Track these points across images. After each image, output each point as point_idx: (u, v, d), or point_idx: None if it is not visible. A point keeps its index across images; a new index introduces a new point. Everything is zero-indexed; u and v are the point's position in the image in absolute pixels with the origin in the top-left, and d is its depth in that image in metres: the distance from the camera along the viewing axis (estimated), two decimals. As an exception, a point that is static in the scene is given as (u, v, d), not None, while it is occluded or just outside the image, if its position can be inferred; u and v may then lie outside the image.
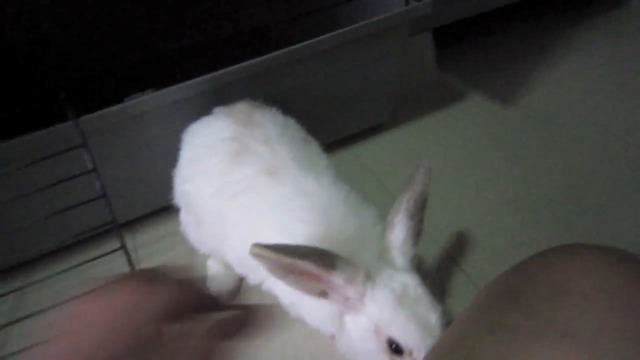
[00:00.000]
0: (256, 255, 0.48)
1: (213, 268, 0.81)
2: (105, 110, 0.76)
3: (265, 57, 0.85)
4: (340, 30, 0.87)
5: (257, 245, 0.48)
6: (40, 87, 0.76)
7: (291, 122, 0.73)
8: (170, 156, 0.76)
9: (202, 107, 0.83)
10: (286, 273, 0.50)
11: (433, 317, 0.51)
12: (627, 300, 0.36)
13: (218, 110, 0.77)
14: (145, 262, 0.90)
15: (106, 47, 0.80)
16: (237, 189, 0.62)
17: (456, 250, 0.86)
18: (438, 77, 1.30)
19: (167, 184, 0.77)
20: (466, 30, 1.42)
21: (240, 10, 1.07)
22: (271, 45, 0.90)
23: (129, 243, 0.94)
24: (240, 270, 0.68)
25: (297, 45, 0.86)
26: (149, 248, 0.93)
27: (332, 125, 1.07)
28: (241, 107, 0.74)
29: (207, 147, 0.69)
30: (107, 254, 0.76)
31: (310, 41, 0.88)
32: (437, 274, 0.82)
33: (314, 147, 0.69)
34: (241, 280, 0.79)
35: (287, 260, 0.48)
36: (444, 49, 1.30)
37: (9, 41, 0.74)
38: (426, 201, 0.60)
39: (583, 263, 0.39)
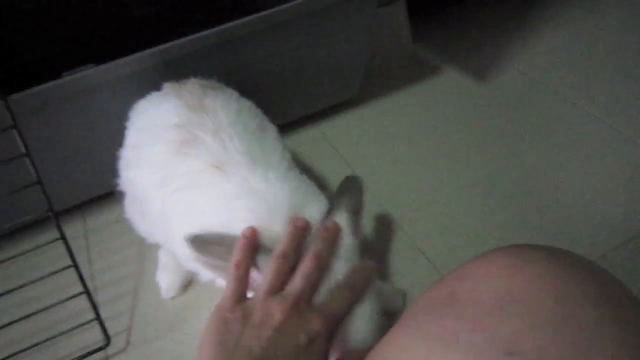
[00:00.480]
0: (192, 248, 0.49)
1: (163, 258, 0.77)
2: (39, 88, 0.69)
3: (220, 27, 0.78)
4: None
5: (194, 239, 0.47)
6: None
7: (246, 107, 0.67)
8: (115, 137, 0.70)
9: (150, 84, 0.77)
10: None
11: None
12: (577, 312, 0.33)
13: (167, 87, 0.70)
14: (96, 248, 0.85)
15: (40, 20, 0.72)
16: (181, 183, 0.57)
17: (421, 236, 0.82)
18: (410, 50, 1.24)
19: (113, 166, 0.72)
20: (441, 0, 1.36)
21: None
22: (226, 15, 0.83)
23: (79, 228, 0.89)
24: (189, 267, 0.63)
25: (256, 15, 0.80)
26: (100, 233, 0.88)
27: (297, 102, 1.01)
28: (192, 88, 0.67)
29: (152, 133, 0.63)
30: (43, 245, 0.70)
31: (269, 11, 0.81)
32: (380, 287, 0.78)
33: (269, 136, 0.63)
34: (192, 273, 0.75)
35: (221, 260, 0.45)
36: (417, 19, 1.24)
37: None
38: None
39: (531, 268, 0.36)
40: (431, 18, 1.34)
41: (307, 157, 0.98)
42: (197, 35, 0.77)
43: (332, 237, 0.53)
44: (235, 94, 0.69)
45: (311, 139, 1.02)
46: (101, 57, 0.73)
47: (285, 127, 1.03)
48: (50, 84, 0.69)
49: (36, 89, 0.69)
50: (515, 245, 0.41)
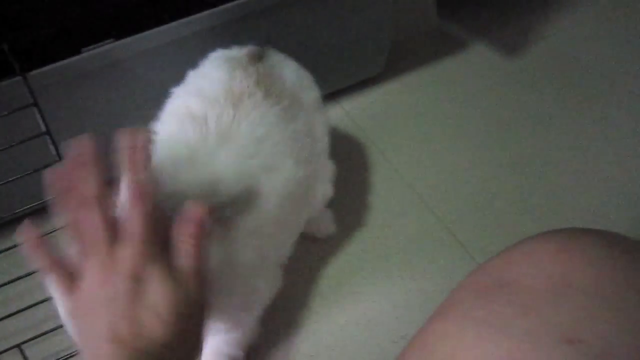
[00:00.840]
0: None
1: None
2: (59, 64, 0.67)
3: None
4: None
5: None
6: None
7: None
8: (137, 113, 0.68)
9: (173, 58, 0.74)
10: None
11: None
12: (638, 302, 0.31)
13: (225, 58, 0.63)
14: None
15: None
16: None
17: (451, 218, 0.79)
18: (436, 24, 1.19)
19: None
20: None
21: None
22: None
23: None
24: None
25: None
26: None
27: (320, 79, 0.97)
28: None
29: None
30: (63, 227, 0.69)
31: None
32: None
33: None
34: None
35: None
36: (444, -8, 1.19)
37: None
38: None
39: (586, 253, 0.34)
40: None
41: (331, 136, 0.96)
42: (221, 7, 0.74)
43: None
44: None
45: (335, 117, 0.99)
46: (121, 32, 0.71)
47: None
48: (70, 59, 0.68)
49: (56, 65, 0.67)
50: (566, 229, 0.39)
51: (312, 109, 0.65)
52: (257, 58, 0.63)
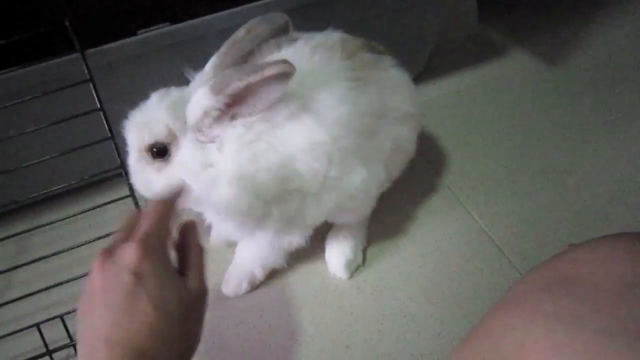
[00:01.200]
0: None
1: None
2: (116, 43, 0.69)
3: None
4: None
5: None
6: (43, 15, 0.69)
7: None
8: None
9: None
10: None
11: None
12: None
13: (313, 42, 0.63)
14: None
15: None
16: None
17: (488, 220, 0.79)
18: (477, 29, 1.19)
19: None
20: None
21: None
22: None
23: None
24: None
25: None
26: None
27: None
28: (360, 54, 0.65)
29: None
30: (114, 201, 0.71)
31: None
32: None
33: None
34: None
35: None
36: (485, -2, 1.19)
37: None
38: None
39: None
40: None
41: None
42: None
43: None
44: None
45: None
46: (176, 17, 0.72)
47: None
48: (126, 40, 0.69)
49: (112, 45, 0.69)
50: (631, 233, 0.40)
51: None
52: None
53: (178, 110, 0.55)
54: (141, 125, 0.56)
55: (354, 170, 0.61)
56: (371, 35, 0.90)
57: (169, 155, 0.56)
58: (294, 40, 0.63)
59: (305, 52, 0.61)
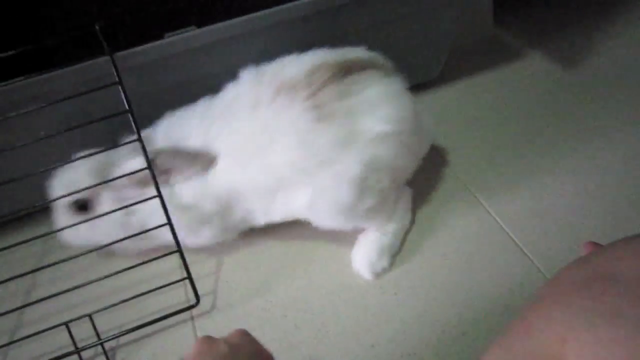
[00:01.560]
0: None
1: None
2: (144, 46, 0.70)
3: None
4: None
5: None
6: (72, 18, 0.70)
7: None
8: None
9: (256, 49, 0.76)
10: None
11: None
12: None
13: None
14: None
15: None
16: None
17: (509, 220, 0.79)
18: (493, 31, 1.20)
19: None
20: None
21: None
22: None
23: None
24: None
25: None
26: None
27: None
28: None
29: None
30: (142, 201, 0.71)
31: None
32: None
33: None
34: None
35: None
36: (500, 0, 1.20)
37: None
38: None
39: None
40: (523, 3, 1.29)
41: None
42: (296, 3, 0.76)
43: None
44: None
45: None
46: (203, 20, 0.74)
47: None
48: (154, 43, 0.70)
49: (141, 48, 0.70)
50: None
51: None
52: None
53: (99, 172, 0.69)
54: (65, 184, 0.68)
55: (298, 196, 0.69)
56: (390, 39, 0.91)
57: (92, 209, 0.70)
58: (262, 75, 0.69)
59: (269, 94, 0.66)
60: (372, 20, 0.87)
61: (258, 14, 0.75)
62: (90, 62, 0.68)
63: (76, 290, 0.68)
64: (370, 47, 0.90)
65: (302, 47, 0.72)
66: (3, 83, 0.65)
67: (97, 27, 0.65)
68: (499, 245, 0.76)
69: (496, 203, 0.82)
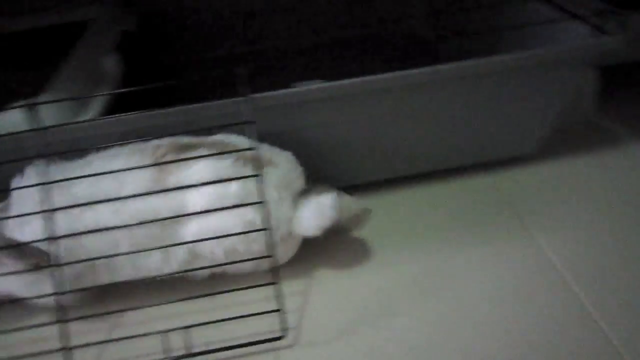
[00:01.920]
0: None
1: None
2: (276, 92, 0.78)
3: (448, 65, 0.84)
4: (523, 54, 0.83)
5: None
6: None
7: None
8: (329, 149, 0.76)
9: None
10: None
11: None
12: None
13: None
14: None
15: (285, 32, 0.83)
16: None
17: (595, 305, 0.77)
18: (593, 116, 1.20)
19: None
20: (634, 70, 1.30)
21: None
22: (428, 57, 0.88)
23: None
24: None
25: (470, 62, 0.84)
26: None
27: (476, 145, 1.02)
28: None
29: None
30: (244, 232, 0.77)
31: (482, 59, 0.84)
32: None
33: None
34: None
35: None
36: (607, 88, 1.21)
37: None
38: None
39: None
40: (616, 88, 1.29)
41: (475, 207, 0.99)
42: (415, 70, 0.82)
43: None
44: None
45: (482, 189, 1.02)
46: (327, 74, 0.81)
47: (454, 172, 1.05)
48: (285, 91, 0.78)
49: (273, 93, 0.78)
50: None
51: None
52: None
53: None
54: None
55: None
56: (484, 113, 0.94)
57: None
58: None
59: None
60: (488, 94, 0.91)
61: (381, 75, 0.82)
62: (230, 100, 0.76)
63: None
64: (471, 118, 0.95)
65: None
66: (160, 110, 0.76)
67: (242, 72, 0.74)
68: (582, 329, 0.74)
69: (582, 284, 0.80)
